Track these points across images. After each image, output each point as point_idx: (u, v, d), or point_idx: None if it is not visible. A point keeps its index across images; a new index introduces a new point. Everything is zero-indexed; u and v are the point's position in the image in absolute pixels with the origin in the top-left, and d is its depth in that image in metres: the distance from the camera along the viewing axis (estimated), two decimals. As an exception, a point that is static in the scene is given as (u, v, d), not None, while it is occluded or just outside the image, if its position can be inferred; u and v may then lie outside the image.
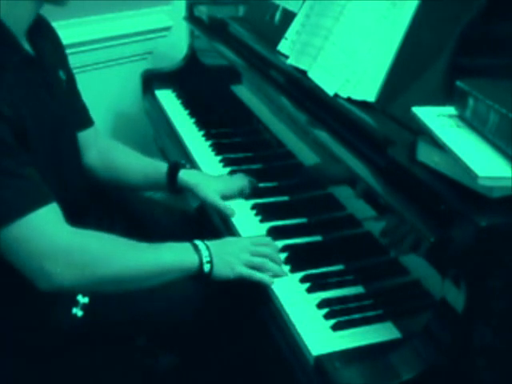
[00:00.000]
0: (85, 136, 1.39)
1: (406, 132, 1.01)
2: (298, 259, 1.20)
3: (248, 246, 1.19)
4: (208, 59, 2.00)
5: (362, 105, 1.13)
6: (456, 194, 0.86)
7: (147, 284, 1.11)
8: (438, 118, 0.93)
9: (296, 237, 1.27)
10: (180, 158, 1.63)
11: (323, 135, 1.19)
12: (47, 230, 1.01)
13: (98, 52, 2.12)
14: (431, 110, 0.95)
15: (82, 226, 1.07)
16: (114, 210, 1.47)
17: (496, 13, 1.10)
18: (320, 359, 0.95)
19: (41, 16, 1.21)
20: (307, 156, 1.32)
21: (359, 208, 1.12)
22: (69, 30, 1.83)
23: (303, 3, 1.44)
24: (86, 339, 1.16)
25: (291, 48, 1.40)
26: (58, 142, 1.19)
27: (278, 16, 1.55)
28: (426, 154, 0.93)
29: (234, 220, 1.34)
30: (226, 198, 1.39)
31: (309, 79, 1.26)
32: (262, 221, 1.34)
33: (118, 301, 1.15)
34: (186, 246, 1.14)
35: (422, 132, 0.94)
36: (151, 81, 2.10)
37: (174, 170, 1.42)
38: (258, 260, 1.16)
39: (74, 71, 1.38)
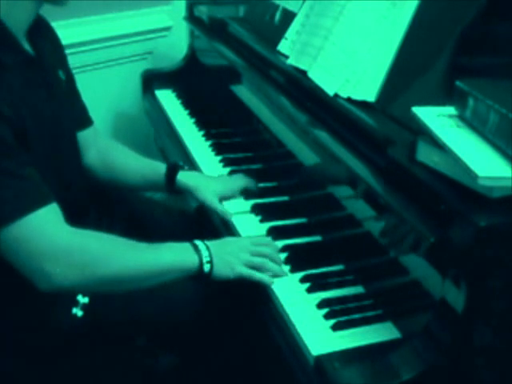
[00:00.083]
0: (84, 136, 1.39)
1: (406, 132, 1.01)
2: (297, 259, 1.20)
3: (248, 245, 1.19)
4: (208, 59, 2.00)
5: (362, 105, 1.13)
6: (456, 194, 0.86)
7: (147, 284, 1.11)
8: (437, 118, 0.92)
9: (296, 237, 1.27)
10: (180, 158, 1.63)
11: (323, 135, 1.19)
12: (47, 230, 1.01)
13: (97, 52, 2.12)
14: (431, 110, 0.95)
15: (81, 226, 1.07)
16: (113, 210, 1.47)
17: (496, 13, 1.10)
18: (320, 359, 0.95)
19: (40, 16, 1.21)
20: (307, 156, 1.32)
21: (359, 208, 1.12)
22: (69, 30, 1.84)
23: (303, 3, 1.44)
24: (86, 339, 1.16)
25: (291, 48, 1.40)
26: (57, 142, 1.19)
27: (278, 16, 1.55)
28: (425, 154, 0.92)
29: (234, 220, 1.34)
30: (225, 198, 1.39)
31: (309, 79, 1.26)
32: (261, 221, 1.34)
33: (118, 301, 1.15)
34: (186, 246, 1.14)
35: (421, 132, 0.93)
36: (151, 81, 2.10)
37: (172, 172, 1.42)
38: (257, 260, 1.16)
39: (74, 71, 1.39)
